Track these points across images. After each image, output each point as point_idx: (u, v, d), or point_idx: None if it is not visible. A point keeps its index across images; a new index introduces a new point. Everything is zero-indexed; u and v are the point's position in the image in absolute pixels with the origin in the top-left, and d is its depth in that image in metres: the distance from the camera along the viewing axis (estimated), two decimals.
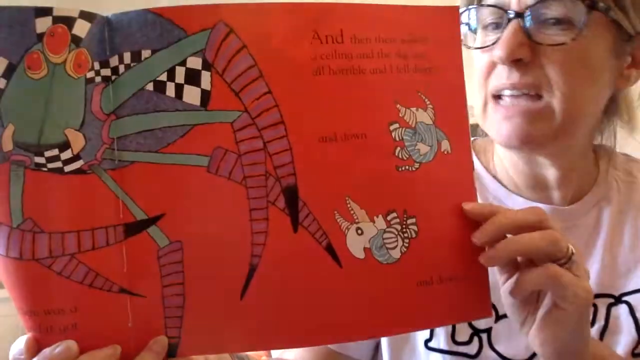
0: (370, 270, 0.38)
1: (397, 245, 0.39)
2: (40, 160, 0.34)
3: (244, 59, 0.36)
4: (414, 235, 0.39)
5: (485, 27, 0.57)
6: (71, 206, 0.35)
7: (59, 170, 0.34)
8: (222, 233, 0.36)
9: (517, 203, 0.60)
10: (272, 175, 0.37)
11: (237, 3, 0.36)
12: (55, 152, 0.34)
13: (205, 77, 0.35)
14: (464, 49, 0.53)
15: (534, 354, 0.57)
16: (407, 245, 0.39)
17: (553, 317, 0.43)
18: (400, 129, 0.39)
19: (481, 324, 0.59)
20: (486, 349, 0.58)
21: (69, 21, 0.34)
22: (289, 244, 0.37)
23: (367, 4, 0.38)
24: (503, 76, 0.54)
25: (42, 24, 0.33)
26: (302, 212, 0.37)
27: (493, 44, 0.54)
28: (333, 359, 0.60)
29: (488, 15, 0.56)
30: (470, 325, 0.59)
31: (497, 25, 0.55)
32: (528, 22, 0.52)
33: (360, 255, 0.38)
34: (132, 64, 0.35)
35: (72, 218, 0.35)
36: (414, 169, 0.40)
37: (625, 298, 0.58)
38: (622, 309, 0.58)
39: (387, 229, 0.39)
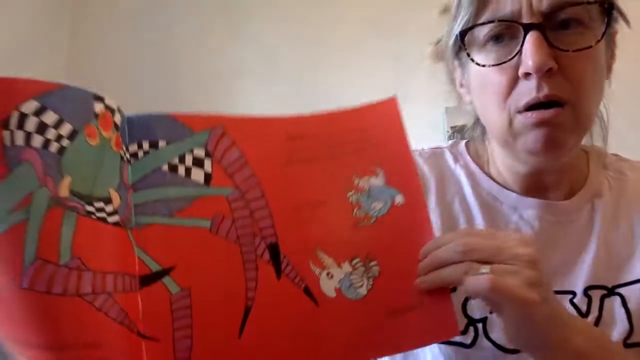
0: (342, 307, 0.48)
1: (363, 284, 0.49)
2: (90, 208, 0.40)
3: (234, 151, 0.48)
4: (377, 274, 0.49)
5: (485, 43, 0.56)
6: (110, 251, 0.41)
7: (104, 220, 0.41)
8: (222, 281, 0.45)
9: (509, 198, 0.63)
10: (258, 235, 0.47)
11: (230, 114, 0.49)
12: (102, 204, 0.41)
13: (208, 163, 0.47)
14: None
15: None
16: (371, 283, 0.49)
17: (501, 315, 0.48)
18: (356, 194, 0.51)
19: (476, 313, 0.60)
20: (481, 339, 0.60)
21: (112, 110, 0.43)
22: (274, 289, 0.46)
23: (325, 112, 0.52)
24: (532, 90, 0.53)
25: (98, 107, 0.42)
26: (284, 262, 0.47)
27: (511, 59, 0.54)
28: None
29: (490, 30, 0.55)
30: (466, 315, 0.61)
31: (499, 38, 0.55)
32: (547, 30, 0.52)
33: (332, 294, 0.48)
34: (150, 150, 0.45)
35: (111, 261, 0.41)
36: (371, 223, 0.50)
37: (618, 290, 0.60)
38: (615, 301, 0.59)
39: (353, 272, 0.49)
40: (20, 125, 0.37)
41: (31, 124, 0.38)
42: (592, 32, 0.54)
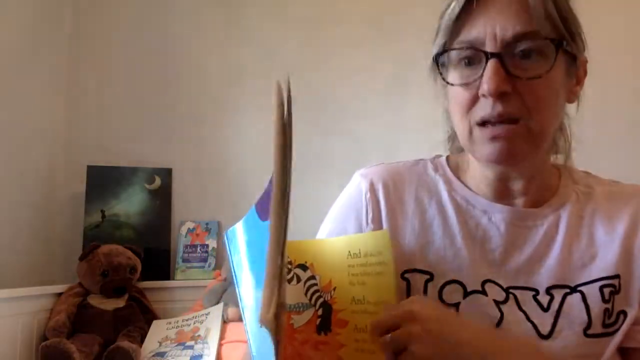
0: None
1: None
2: None
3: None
4: None
5: (458, 63, 0.65)
6: None
7: None
8: None
9: (480, 202, 0.72)
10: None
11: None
12: None
13: None
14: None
15: (496, 326, 0.66)
16: None
17: None
18: None
19: (451, 299, 0.68)
20: None
21: None
22: None
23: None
24: (488, 107, 0.63)
25: None
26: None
27: (475, 80, 0.63)
28: None
29: (461, 53, 0.65)
30: (442, 301, 0.68)
31: (469, 61, 0.64)
32: (506, 58, 0.62)
33: None
34: None
35: None
36: None
37: (580, 288, 0.68)
38: (576, 297, 0.67)
39: None
40: None
41: None
42: (547, 62, 0.62)
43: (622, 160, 2.06)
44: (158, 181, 2.24)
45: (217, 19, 2.38)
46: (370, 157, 2.20)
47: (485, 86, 0.61)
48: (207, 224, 2.23)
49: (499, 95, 0.61)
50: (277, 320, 0.42)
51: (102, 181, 2.19)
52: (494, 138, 0.63)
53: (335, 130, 2.28)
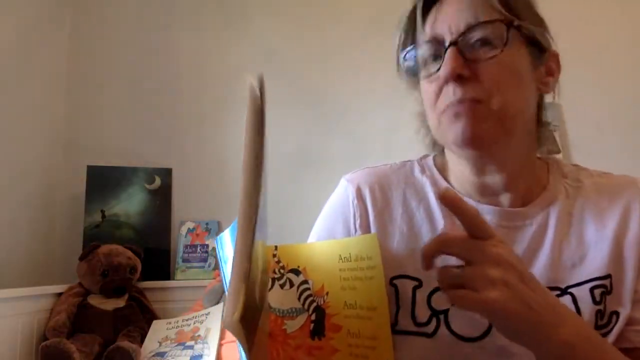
0: None
1: None
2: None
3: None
4: None
5: (426, 63, 0.67)
6: None
7: None
8: None
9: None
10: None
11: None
12: None
13: None
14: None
15: (486, 333, 0.65)
16: None
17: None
18: None
19: (440, 305, 0.67)
20: (442, 328, 0.66)
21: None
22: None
23: None
24: (450, 94, 0.64)
25: None
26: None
27: (437, 71, 0.65)
28: None
29: (426, 52, 0.67)
30: (430, 308, 0.67)
31: (436, 58, 0.66)
32: (462, 45, 0.64)
33: None
34: None
35: None
36: None
37: (570, 290, 0.66)
38: (567, 299, 0.65)
39: None
40: None
41: None
42: (502, 43, 0.63)
43: (623, 161, 2.06)
44: (158, 181, 2.24)
45: (217, 19, 2.38)
46: (370, 157, 2.20)
47: (442, 70, 0.63)
48: (207, 224, 2.23)
49: (457, 79, 0.63)
50: (244, 324, 0.40)
51: (102, 181, 2.19)
52: (456, 115, 0.63)
53: (335, 130, 2.28)
